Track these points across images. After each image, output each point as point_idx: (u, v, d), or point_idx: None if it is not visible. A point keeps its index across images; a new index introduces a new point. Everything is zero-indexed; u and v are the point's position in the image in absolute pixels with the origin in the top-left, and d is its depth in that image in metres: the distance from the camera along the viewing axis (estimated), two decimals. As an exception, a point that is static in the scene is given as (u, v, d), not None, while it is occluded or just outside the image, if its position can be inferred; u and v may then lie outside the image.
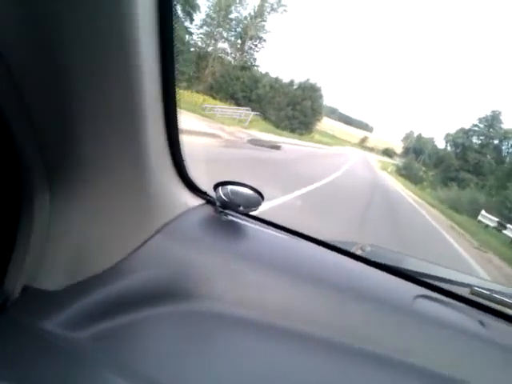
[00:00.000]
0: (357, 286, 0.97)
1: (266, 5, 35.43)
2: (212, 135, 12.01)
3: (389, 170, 42.18)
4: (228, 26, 35.75)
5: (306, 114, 33.13)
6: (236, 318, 0.78)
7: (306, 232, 1.18)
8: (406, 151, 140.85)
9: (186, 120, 9.39)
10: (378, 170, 35.94)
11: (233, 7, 35.47)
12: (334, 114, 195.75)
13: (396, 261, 1.19)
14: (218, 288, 0.81)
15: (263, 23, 36.21)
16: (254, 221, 1.10)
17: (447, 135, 46.80)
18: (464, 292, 1.08)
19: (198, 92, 27.77)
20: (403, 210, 13.01)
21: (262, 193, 0.98)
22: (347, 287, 0.95)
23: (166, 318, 0.75)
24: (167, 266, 0.80)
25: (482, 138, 44.46)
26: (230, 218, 1.04)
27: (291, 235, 1.12)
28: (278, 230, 1.12)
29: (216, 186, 0.98)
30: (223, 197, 0.97)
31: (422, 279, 1.09)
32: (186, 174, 0.99)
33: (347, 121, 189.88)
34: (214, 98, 29.16)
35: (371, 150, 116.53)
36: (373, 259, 1.12)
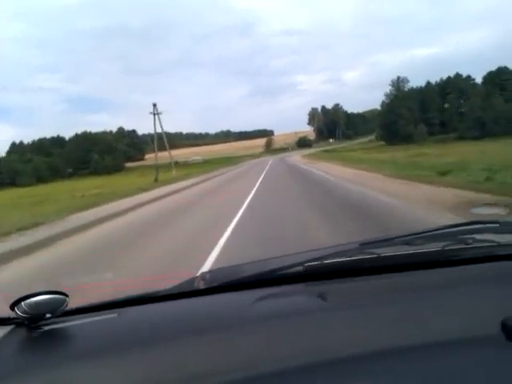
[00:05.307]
0: (213, 320, 0.99)
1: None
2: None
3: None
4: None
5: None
6: None
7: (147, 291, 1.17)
8: (320, 131, 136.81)
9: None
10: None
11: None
12: (230, 135, 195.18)
13: (235, 274, 1.24)
14: None
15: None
16: (74, 316, 1.07)
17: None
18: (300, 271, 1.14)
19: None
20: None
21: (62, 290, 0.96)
22: (205, 326, 0.95)
23: None
24: None
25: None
26: (45, 328, 0.98)
27: (120, 308, 1.11)
28: (105, 310, 1.10)
29: (12, 307, 0.94)
30: (24, 315, 0.93)
31: (260, 279, 1.15)
32: None
33: (246, 135, 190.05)
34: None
35: (285, 150, 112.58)
36: (215, 284, 1.16)
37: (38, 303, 0.93)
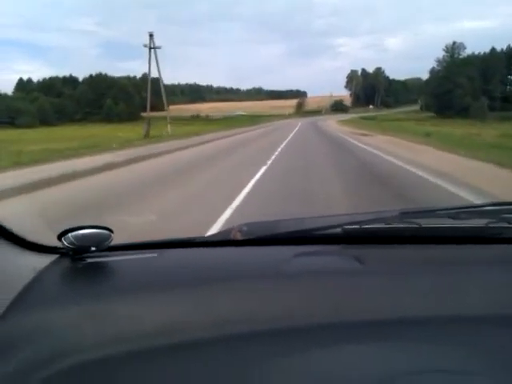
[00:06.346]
0: (248, 270, 1.01)
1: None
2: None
3: None
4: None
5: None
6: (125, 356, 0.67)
7: (185, 235, 1.20)
8: (357, 96, 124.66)
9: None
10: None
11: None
12: (261, 93, 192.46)
13: (272, 229, 1.22)
14: (91, 337, 0.72)
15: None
16: (116, 252, 1.09)
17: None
18: (339, 233, 1.12)
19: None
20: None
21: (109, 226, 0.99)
22: (240, 275, 0.97)
23: None
24: (32, 341, 0.72)
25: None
26: (89, 260, 1.01)
27: (160, 249, 1.14)
28: (146, 250, 1.14)
29: (60, 237, 0.97)
30: (71, 246, 0.97)
31: (298, 236, 1.16)
32: (21, 238, 1.00)
33: (279, 95, 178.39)
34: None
35: (318, 113, 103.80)
36: (252, 237, 1.17)
37: (84, 236, 0.97)
